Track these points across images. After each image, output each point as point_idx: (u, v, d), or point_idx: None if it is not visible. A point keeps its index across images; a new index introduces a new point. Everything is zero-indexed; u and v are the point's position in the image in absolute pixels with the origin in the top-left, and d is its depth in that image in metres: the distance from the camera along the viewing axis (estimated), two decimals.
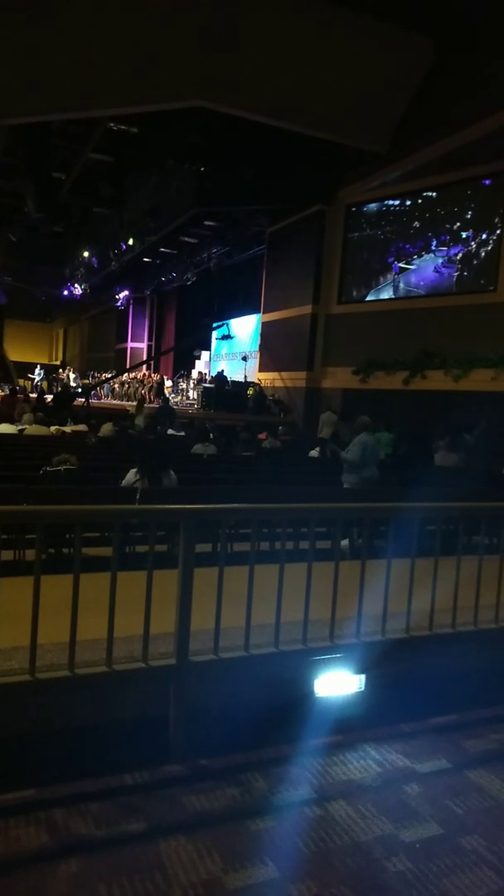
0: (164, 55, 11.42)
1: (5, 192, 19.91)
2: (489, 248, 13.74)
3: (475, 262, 14.02)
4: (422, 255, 15.19)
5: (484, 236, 13.86)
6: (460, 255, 14.31)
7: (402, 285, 15.68)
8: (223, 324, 24.37)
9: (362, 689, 3.40)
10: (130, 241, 20.56)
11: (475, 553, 3.91)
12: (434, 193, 14.86)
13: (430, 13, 11.47)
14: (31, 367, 27.80)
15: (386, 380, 15.13)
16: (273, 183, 16.47)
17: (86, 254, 23.61)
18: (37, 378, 26.25)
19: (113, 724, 2.98)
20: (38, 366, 27.85)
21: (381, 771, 3.05)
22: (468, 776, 3.05)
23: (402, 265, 15.65)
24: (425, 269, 15.12)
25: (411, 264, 15.43)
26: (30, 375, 26.96)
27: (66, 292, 27.80)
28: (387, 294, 16.03)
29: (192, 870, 2.34)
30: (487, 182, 13.58)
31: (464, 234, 14.25)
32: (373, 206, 16.24)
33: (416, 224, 15.34)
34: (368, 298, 16.46)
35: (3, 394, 18.22)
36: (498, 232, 13.51)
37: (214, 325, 25.33)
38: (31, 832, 2.48)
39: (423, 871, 2.41)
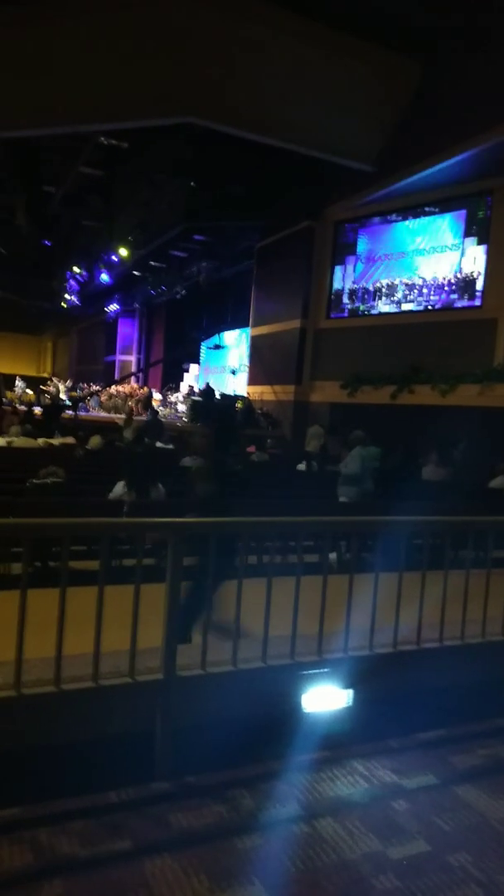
0: (155, 72, 11.55)
1: None
2: (475, 264, 13.92)
3: (462, 278, 14.19)
4: (412, 272, 15.36)
5: (470, 253, 14.04)
6: (449, 271, 14.48)
7: (394, 300, 15.81)
8: (217, 337, 24.42)
9: (350, 704, 3.38)
10: (122, 252, 20.59)
11: (462, 567, 3.92)
12: (422, 210, 15.05)
13: (417, 36, 11.70)
14: (15, 380, 27.58)
15: (373, 394, 15.23)
16: (262, 199, 16.63)
17: (76, 268, 23.65)
18: (18, 390, 26.08)
19: (99, 741, 2.95)
20: (17, 377, 27.64)
21: (369, 787, 3.03)
22: (455, 792, 3.04)
23: (389, 281, 15.80)
24: (415, 285, 15.27)
25: (401, 281, 15.58)
26: (18, 386, 26.75)
27: (55, 305, 27.78)
28: (376, 309, 16.16)
29: (178, 890, 2.31)
30: (489, 199, 13.75)
31: (450, 251, 14.43)
32: (361, 222, 16.41)
33: (406, 240, 15.52)
34: (354, 314, 16.59)
35: None
36: (484, 248, 13.70)
37: (203, 340, 25.36)
38: (14, 852, 2.44)
39: (410, 889, 2.40)
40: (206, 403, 19.02)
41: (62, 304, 26.86)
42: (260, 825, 2.71)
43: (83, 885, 2.31)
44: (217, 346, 23.83)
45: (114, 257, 21.33)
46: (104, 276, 22.66)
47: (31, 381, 27.87)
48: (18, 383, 26.61)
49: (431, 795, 3.00)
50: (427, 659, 3.66)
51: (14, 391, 26.01)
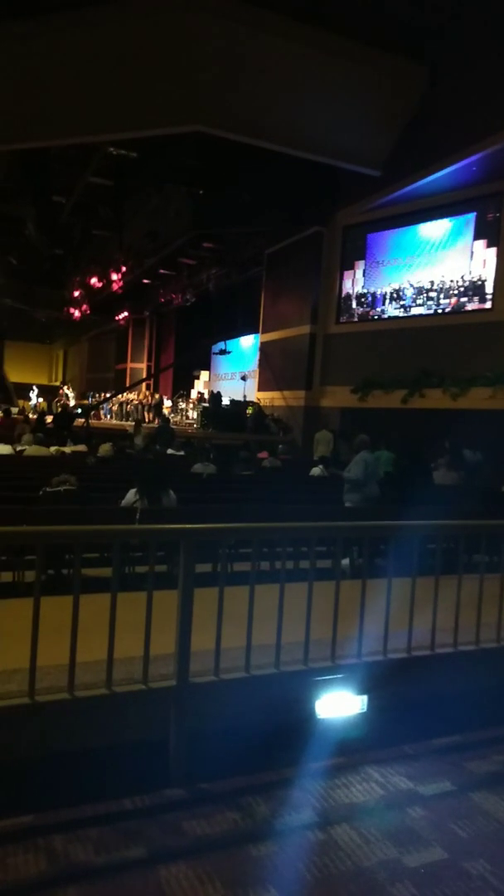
0: (162, 82, 11.65)
1: (6, 217, 20.13)
2: (485, 267, 13.87)
3: (472, 280, 14.14)
4: (421, 276, 15.34)
5: (479, 255, 14.00)
6: (458, 274, 14.44)
7: (403, 304, 15.79)
8: (222, 343, 24.49)
9: (364, 710, 3.36)
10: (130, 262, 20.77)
11: (476, 571, 3.89)
12: (431, 213, 15.02)
13: (422, 40, 11.73)
14: (30, 389, 27.85)
15: (384, 398, 15.19)
16: (270, 205, 16.68)
17: (86, 277, 23.83)
18: (33, 399, 26.28)
19: (112, 748, 2.95)
20: (33, 387, 27.91)
21: (384, 794, 3.01)
22: (472, 798, 3.01)
23: (399, 285, 15.78)
24: (424, 288, 15.24)
25: (410, 284, 15.56)
26: (31, 396, 26.98)
27: (65, 314, 27.98)
28: (386, 313, 16.13)
29: None
30: (499, 201, 13.73)
31: (460, 254, 14.39)
32: (369, 226, 16.41)
33: (415, 243, 15.50)
34: (364, 318, 16.57)
35: (1, 415, 18.27)
36: (494, 250, 13.66)
37: (214, 347, 25.45)
38: (29, 860, 2.44)
39: None
40: (215, 409, 19.06)
41: (73, 313, 27.05)
42: (275, 832, 2.69)
43: (98, 893, 2.30)
44: (223, 352, 23.88)
45: (123, 266, 21.46)
46: (114, 285, 22.78)
47: (43, 390, 28.13)
48: (33, 392, 26.80)
49: (448, 802, 2.97)
50: (442, 664, 3.63)
51: (28, 400, 26.24)
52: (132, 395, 25.45)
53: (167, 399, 24.76)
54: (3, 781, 2.77)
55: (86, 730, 2.93)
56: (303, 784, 3.02)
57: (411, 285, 15.51)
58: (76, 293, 26.12)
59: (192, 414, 22.00)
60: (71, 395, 26.67)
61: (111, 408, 25.24)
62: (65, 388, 29.73)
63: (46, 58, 11.38)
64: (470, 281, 14.19)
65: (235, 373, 23.90)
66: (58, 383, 34.33)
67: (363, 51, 11.95)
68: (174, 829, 2.67)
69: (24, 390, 28.41)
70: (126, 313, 27.56)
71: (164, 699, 2.97)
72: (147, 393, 25.97)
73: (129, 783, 2.89)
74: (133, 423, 18.59)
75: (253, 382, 21.12)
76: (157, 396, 24.99)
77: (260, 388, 19.89)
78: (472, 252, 14.17)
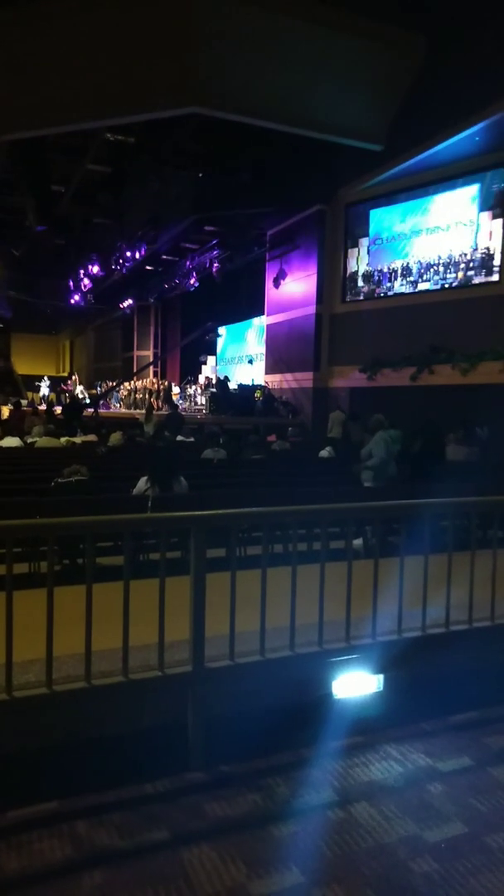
0: (157, 63, 11.47)
1: (6, 208, 20.05)
2: (491, 239, 13.67)
3: (479, 253, 13.95)
4: (427, 250, 15.14)
5: (485, 227, 13.79)
6: (465, 247, 14.24)
7: (410, 280, 15.61)
8: (216, 331, 24.40)
9: (381, 689, 3.38)
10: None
11: (489, 547, 3.88)
12: (435, 186, 14.79)
13: (420, 11, 11.47)
14: (38, 380, 27.83)
15: (393, 377, 15.09)
16: (271, 185, 16.49)
17: (92, 267, 23.72)
18: (44, 390, 26.26)
19: (132, 734, 2.99)
20: (44, 377, 27.88)
21: (403, 771, 3.03)
22: (491, 773, 3.02)
23: (405, 261, 15.60)
24: (431, 264, 15.06)
25: (416, 260, 15.37)
26: (38, 384, 26.94)
27: (70, 303, 27.91)
28: (392, 290, 15.97)
29: (217, 878, 2.34)
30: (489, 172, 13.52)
31: (465, 227, 14.18)
32: (373, 202, 16.20)
33: (420, 218, 15.30)
34: (370, 296, 16.41)
35: (11, 408, 18.31)
36: (500, 222, 13.44)
37: (217, 330, 25.37)
38: (54, 845, 2.49)
39: (449, 872, 2.39)
40: (223, 394, 19.01)
41: (77, 302, 26.97)
42: (295, 812, 2.72)
43: (122, 876, 2.34)
44: (213, 335, 23.86)
45: (126, 253, 21.33)
46: (117, 273, 22.68)
47: (55, 382, 28.10)
48: (44, 383, 26.71)
49: (467, 777, 2.99)
50: (457, 641, 3.63)
51: (37, 392, 26.23)
52: (140, 383, 25.42)
53: (175, 385, 24.73)
54: (27, 770, 2.82)
55: (104, 717, 2.97)
56: (322, 764, 3.04)
57: (417, 261, 15.32)
58: (79, 283, 26.02)
59: (201, 400, 21.98)
60: (79, 387, 26.64)
61: (120, 396, 25.24)
62: (75, 377, 29.74)
63: (39, 45, 11.23)
64: (477, 254, 13.99)
65: (243, 357, 23.82)
66: (65, 374, 34.34)
67: (359, 22, 11.69)
68: (196, 811, 2.71)
69: (32, 382, 28.40)
70: (130, 301, 27.46)
71: (181, 685, 3.00)
72: (155, 380, 25.93)
73: (150, 768, 2.93)
74: (144, 412, 18.60)
75: (260, 365, 21.04)
76: (165, 383, 24.96)
77: (267, 371, 19.81)
78: (477, 224, 13.96)
